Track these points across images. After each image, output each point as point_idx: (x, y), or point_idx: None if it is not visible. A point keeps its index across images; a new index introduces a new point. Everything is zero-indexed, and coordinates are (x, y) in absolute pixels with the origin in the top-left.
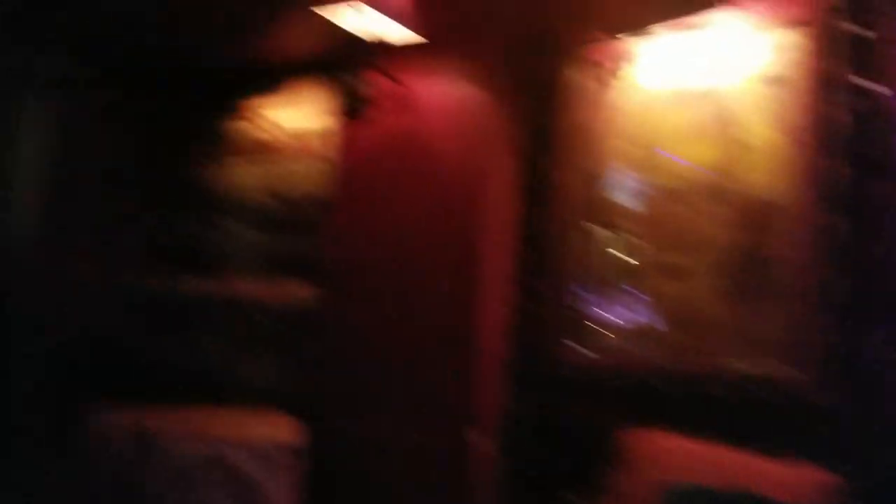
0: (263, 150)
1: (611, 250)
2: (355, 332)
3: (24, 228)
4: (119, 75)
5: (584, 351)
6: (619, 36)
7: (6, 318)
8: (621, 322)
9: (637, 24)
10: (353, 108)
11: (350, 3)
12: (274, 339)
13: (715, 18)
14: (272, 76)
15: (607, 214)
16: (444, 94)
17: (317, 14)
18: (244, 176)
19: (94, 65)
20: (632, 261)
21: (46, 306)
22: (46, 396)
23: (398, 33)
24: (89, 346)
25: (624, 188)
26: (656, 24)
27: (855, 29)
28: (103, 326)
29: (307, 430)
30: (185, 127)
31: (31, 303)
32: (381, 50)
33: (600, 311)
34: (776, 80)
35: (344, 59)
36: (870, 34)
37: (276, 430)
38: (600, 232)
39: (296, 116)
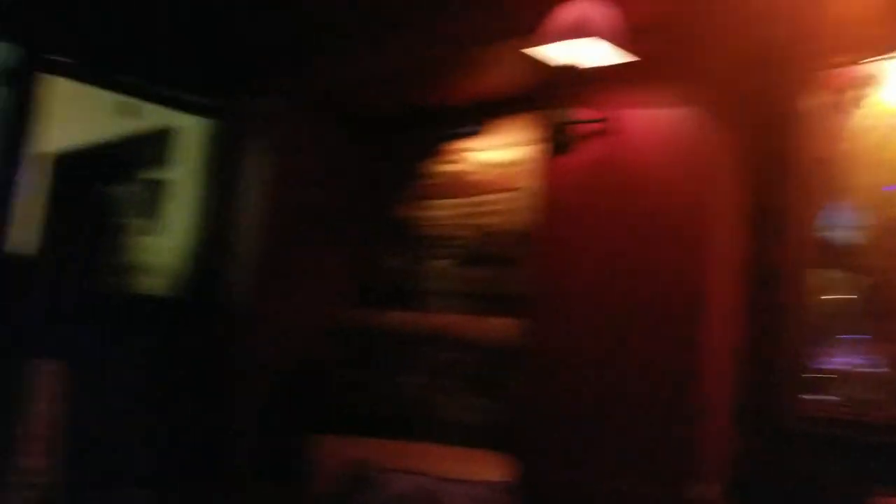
0: (467, 185)
1: (851, 292)
2: (565, 370)
3: (245, 264)
4: (332, 117)
5: (822, 402)
6: (865, 60)
7: (229, 351)
8: (864, 371)
9: (888, 47)
10: (560, 140)
11: (559, 41)
12: (480, 376)
13: None
14: (476, 113)
15: (848, 253)
16: (660, 122)
17: (522, 52)
18: (449, 212)
19: (308, 108)
20: (876, 304)
21: (266, 339)
22: (266, 428)
23: (608, 59)
24: (306, 379)
25: (866, 224)
26: None
27: None
28: (318, 359)
29: (518, 470)
30: (393, 166)
31: (251, 336)
32: (589, 77)
33: (839, 360)
34: None
35: (550, 91)
36: None
37: (487, 468)
38: (839, 272)
39: (499, 151)
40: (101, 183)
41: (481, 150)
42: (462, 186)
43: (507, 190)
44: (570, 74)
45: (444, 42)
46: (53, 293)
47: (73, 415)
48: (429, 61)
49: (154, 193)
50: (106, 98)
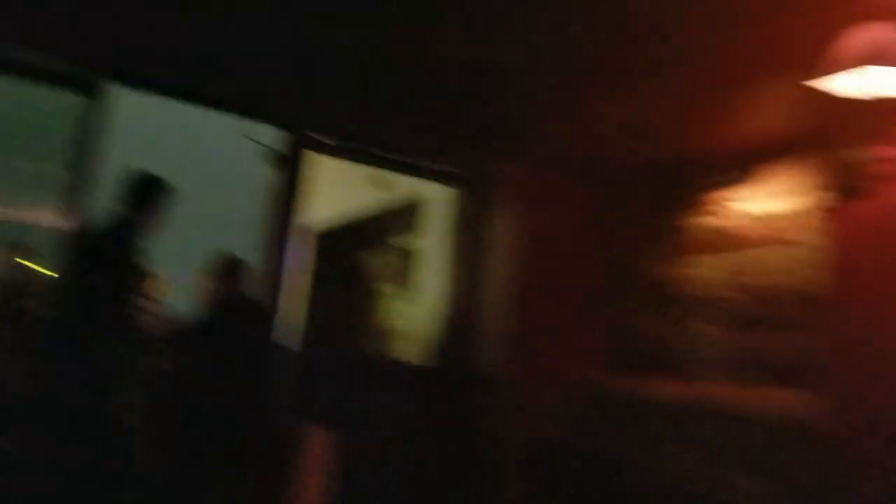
0: (730, 240)
1: None
2: (871, 456)
3: (496, 330)
4: (577, 174)
5: None
6: None
7: (485, 419)
8: None
9: None
10: (849, 185)
11: (850, 70)
12: (760, 456)
13: None
14: (740, 159)
15: None
16: None
17: (801, 85)
18: (711, 270)
19: (552, 167)
20: None
21: (521, 408)
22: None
23: None
24: (564, 452)
25: None
26: None
27: None
28: (574, 431)
29: None
30: (645, 221)
31: (507, 405)
32: (886, 111)
33: None
34: None
35: (836, 128)
36: None
37: None
38: None
39: (769, 200)
40: (358, 252)
41: (747, 199)
42: (726, 241)
43: (782, 243)
44: (862, 108)
45: (700, 84)
46: (320, 360)
47: (342, 479)
48: (684, 106)
49: (406, 261)
50: (360, 171)
